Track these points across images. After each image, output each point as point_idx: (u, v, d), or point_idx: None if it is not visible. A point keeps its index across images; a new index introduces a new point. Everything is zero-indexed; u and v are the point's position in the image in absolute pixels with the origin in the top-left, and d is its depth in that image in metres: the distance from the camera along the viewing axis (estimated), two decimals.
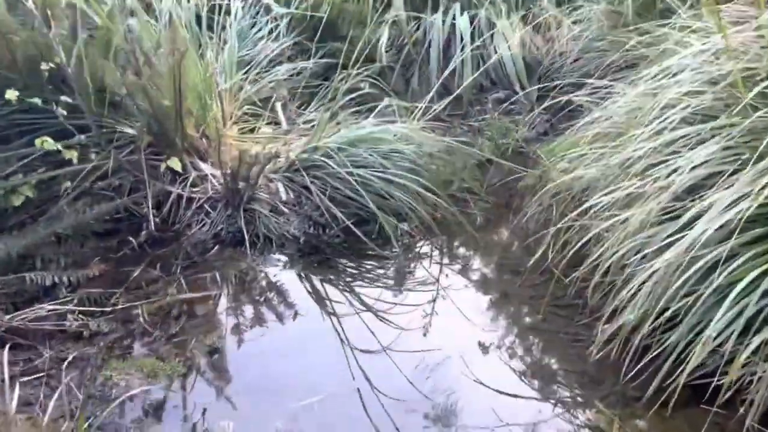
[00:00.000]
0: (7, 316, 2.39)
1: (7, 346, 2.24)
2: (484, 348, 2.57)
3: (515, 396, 2.30)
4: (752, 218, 2.01)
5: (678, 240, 2.16)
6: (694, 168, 2.24)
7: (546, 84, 3.78)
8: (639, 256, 2.32)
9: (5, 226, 2.86)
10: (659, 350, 2.13)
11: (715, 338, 2.03)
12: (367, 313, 2.77)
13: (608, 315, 2.36)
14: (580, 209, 2.75)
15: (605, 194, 2.51)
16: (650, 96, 2.66)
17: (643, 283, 2.25)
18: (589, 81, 3.30)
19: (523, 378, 2.38)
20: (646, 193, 2.36)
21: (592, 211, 2.59)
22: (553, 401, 2.25)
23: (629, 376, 2.17)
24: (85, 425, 2.00)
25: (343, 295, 2.91)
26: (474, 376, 2.38)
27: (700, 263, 2.06)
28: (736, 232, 2.01)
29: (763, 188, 1.93)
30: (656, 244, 2.26)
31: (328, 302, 2.86)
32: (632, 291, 2.27)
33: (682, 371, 2.04)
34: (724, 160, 2.24)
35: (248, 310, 2.78)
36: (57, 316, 2.48)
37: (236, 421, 2.10)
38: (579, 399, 2.26)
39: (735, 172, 2.15)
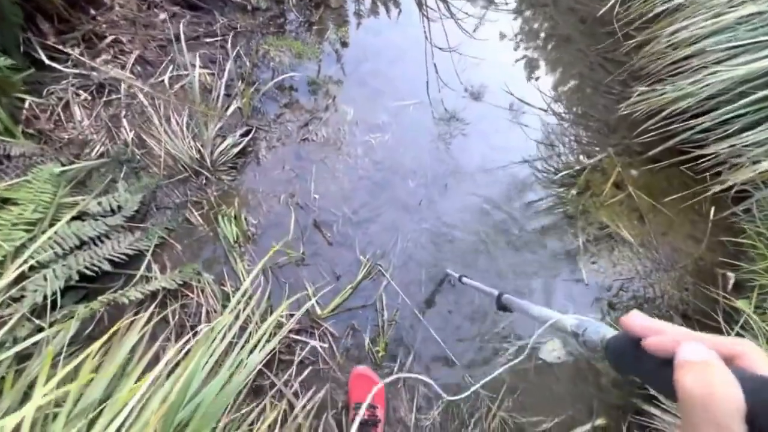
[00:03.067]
0: None
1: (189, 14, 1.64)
2: (528, 69, 1.89)
3: (539, 108, 1.77)
4: None
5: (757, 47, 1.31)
6: None
7: None
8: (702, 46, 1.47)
9: None
10: (676, 127, 1.52)
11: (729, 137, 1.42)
12: (453, 24, 1.98)
13: (649, 82, 1.64)
14: None
15: None
16: None
17: (693, 69, 1.48)
18: None
19: (549, 99, 1.79)
20: None
21: None
22: (571, 131, 1.74)
23: (641, 136, 1.61)
24: (252, 89, 1.57)
25: (439, 6, 2.04)
26: (509, 88, 1.79)
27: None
28: None
29: None
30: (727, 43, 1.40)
31: (427, 9, 2.02)
32: (681, 73, 1.52)
33: (683, 143, 1.50)
34: None
35: (371, 8, 1.98)
36: None
37: (355, 108, 1.66)
38: (593, 140, 1.72)
39: None
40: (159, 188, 1.37)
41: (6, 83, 1.21)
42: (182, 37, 1.51)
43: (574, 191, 1.56)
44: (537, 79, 1.88)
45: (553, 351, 1.30)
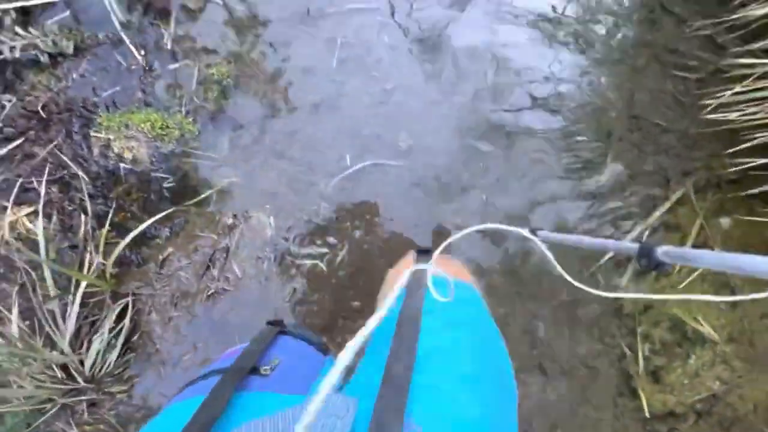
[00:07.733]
0: None
1: None
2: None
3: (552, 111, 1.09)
4: None
5: None
6: None
7: None
8: None
9: None
10: None
11: None
12: None
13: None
14: None
15: None
16: None
17: None
18: None
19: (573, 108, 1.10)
20: None
21: None
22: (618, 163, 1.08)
23: (741, 160, 0.97)
24: (105, 228, 0.97)
25: None
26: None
27: None
28: None
29: None
30: None
31: None
32: None
33: None
34: None
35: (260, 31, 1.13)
36: None
37: (273, 208, 1.05)
38: (656, 171, 1.05)
39: None
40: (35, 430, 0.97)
41: None
42: None
43: (626, 277, 1.02)
44: (557, 78, 1.12)
45: None
